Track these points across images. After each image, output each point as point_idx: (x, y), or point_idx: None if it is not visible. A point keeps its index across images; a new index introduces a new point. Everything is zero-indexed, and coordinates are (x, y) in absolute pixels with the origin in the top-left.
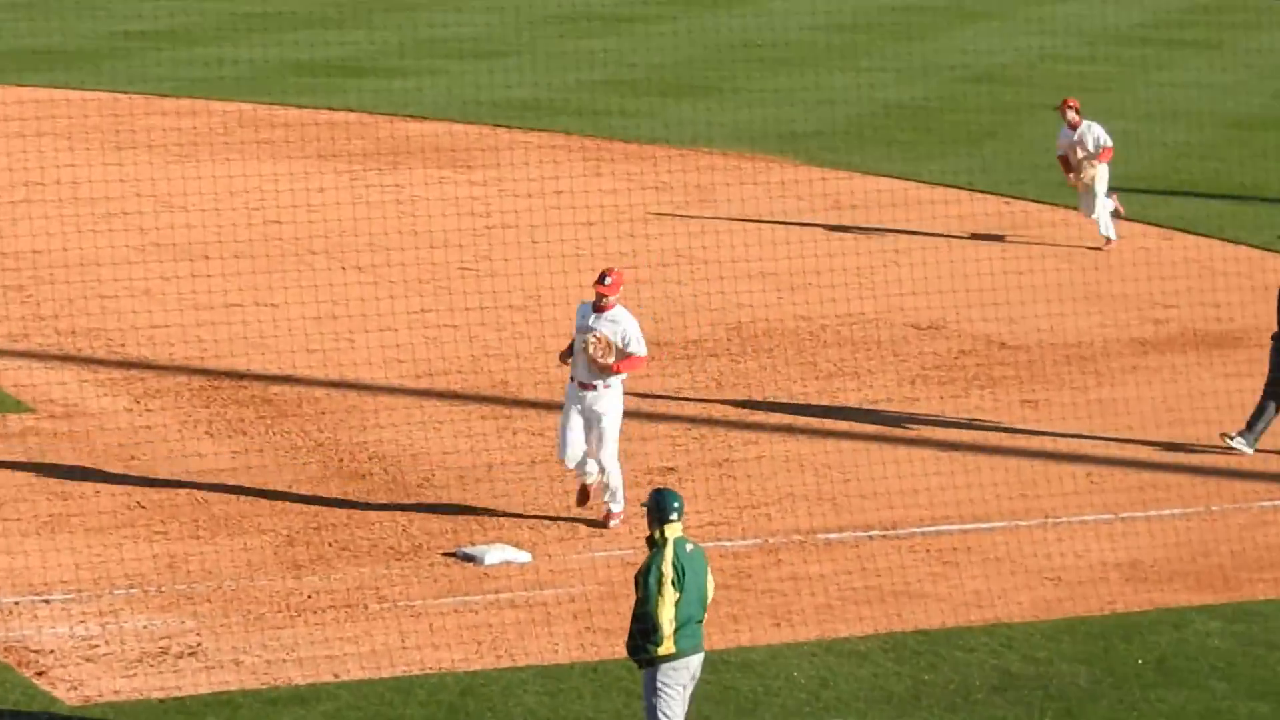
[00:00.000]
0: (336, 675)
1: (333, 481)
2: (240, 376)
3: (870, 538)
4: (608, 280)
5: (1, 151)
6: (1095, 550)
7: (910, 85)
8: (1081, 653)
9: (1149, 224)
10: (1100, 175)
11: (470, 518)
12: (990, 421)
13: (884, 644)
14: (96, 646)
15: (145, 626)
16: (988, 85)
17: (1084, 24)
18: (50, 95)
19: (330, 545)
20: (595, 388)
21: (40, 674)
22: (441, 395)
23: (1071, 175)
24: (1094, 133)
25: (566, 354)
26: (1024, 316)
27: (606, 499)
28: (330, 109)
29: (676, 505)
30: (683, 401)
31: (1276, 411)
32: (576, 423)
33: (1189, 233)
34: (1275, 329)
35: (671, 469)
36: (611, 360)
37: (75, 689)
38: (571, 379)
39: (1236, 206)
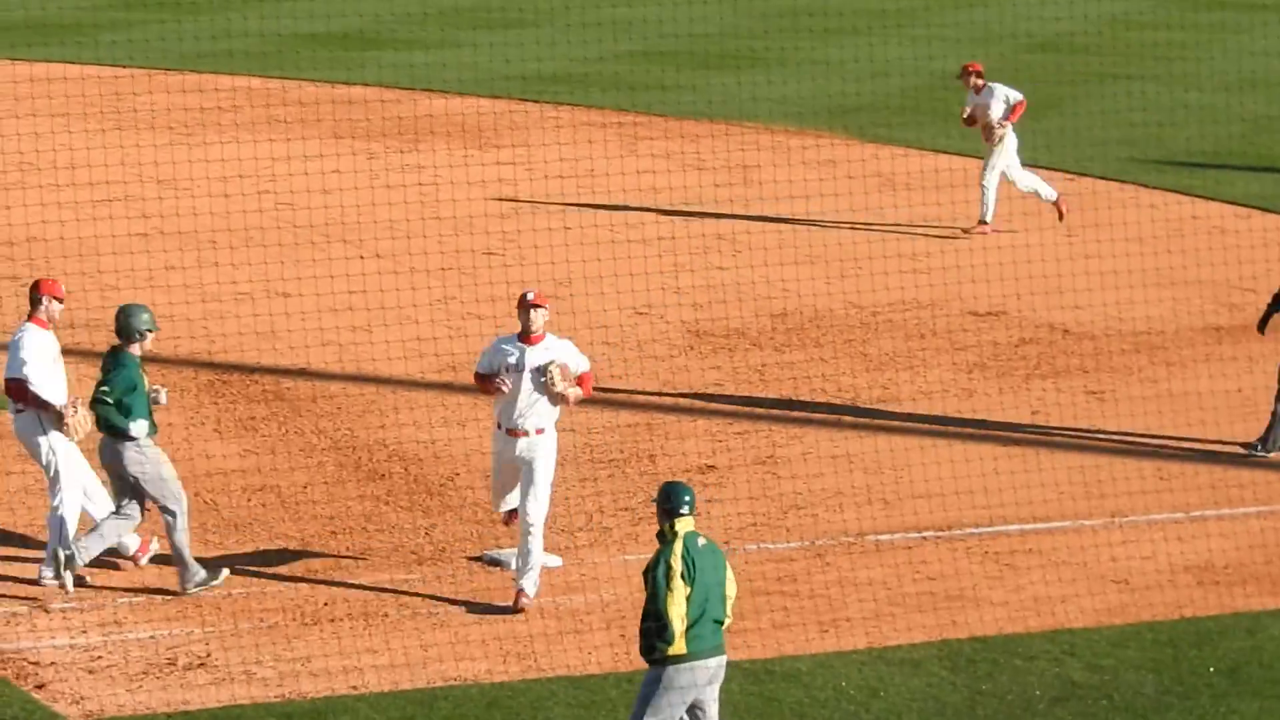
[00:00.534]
0: (355, 688)
1: (350, 482)
2: (251, 371)
3: (924, 539)
4: (530, 295)
5: None
6: (1164, 552)
7: (969, 55)
8: (1149, 660)
9: (1225, 202)
10: (1005, 144)
11: (497, 519)
12: (1053, 415)
13: (938, 652)
14: (99, 658)
15: (151, 637)
16: (1052, 54)
17: None
18: (45, 71)
19: (348, 550)
20: (529, 434)
21: (40, 687)
22: (466, 390)
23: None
24: (999, 95)
25: (490, 387)
26: (1090, 303)
27: (520, 579)
28: (346, 84)
29: (687, 499)
30: (724, 395)
31: None
32: (511, 474)
33: (1268, 211)
34: None
35: (712, 466)
36: (572, 391)
37: (77, 703)
38: (498, 426)
39: None
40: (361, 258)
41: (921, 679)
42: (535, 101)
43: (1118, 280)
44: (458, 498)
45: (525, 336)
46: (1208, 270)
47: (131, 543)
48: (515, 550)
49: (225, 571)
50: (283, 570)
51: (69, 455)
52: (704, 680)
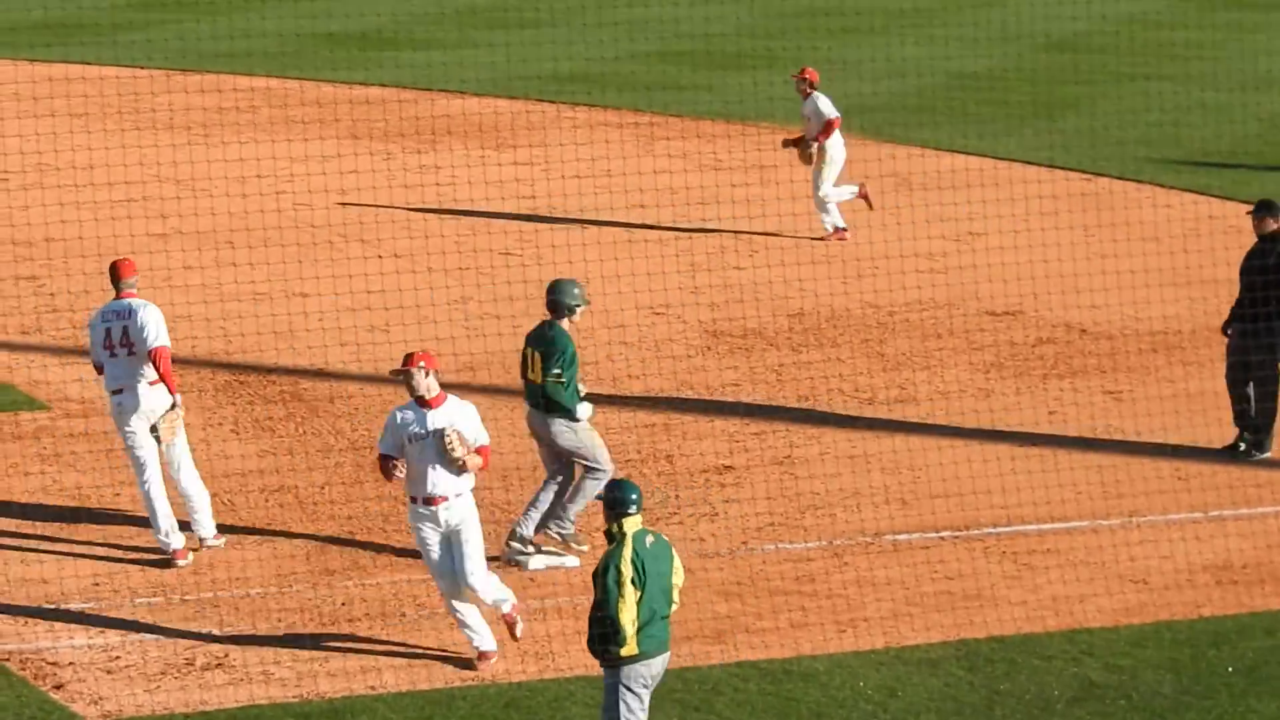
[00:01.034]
0: (373, 688)
1: (367, 482)
2: (268, 371)
3: (941, 539)
4: (421, 364)
5: (12, 132)
6: (1182, 551)
7: (984, 55)
8: (1167, 660)
9: (1242, 201)
10: (827, 157)
11: (514, 520)
12: (1071, 414)
13: (956, 652)
14: (117, 658)
15: (169, 637)
16: (1068, 54)
17: None
18: (63, 71)
19: (365, 550)
20: (447, 498)
21: (58, 688)
22: (483, 390)
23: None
24: (814, 105)
25: (389, 470)
26: (1107, 303)
27: (471, 635)
28: (362, 84)
29: (634, 497)
30: (741, 395)
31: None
32: (442, 549)
33: None
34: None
35: (729, 467)
36: (481, 468)
37: (95, 704)
38: (412, 500)
39: None
40: (380, 257)
41: (939, 679)
42: (552, 102)
43: (1135, 280)
44: (475, 498)
45: (423, 401)
46: (1224, 270)
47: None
48: (535, 552)
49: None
50: (300, 570)
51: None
52: (654, 675)
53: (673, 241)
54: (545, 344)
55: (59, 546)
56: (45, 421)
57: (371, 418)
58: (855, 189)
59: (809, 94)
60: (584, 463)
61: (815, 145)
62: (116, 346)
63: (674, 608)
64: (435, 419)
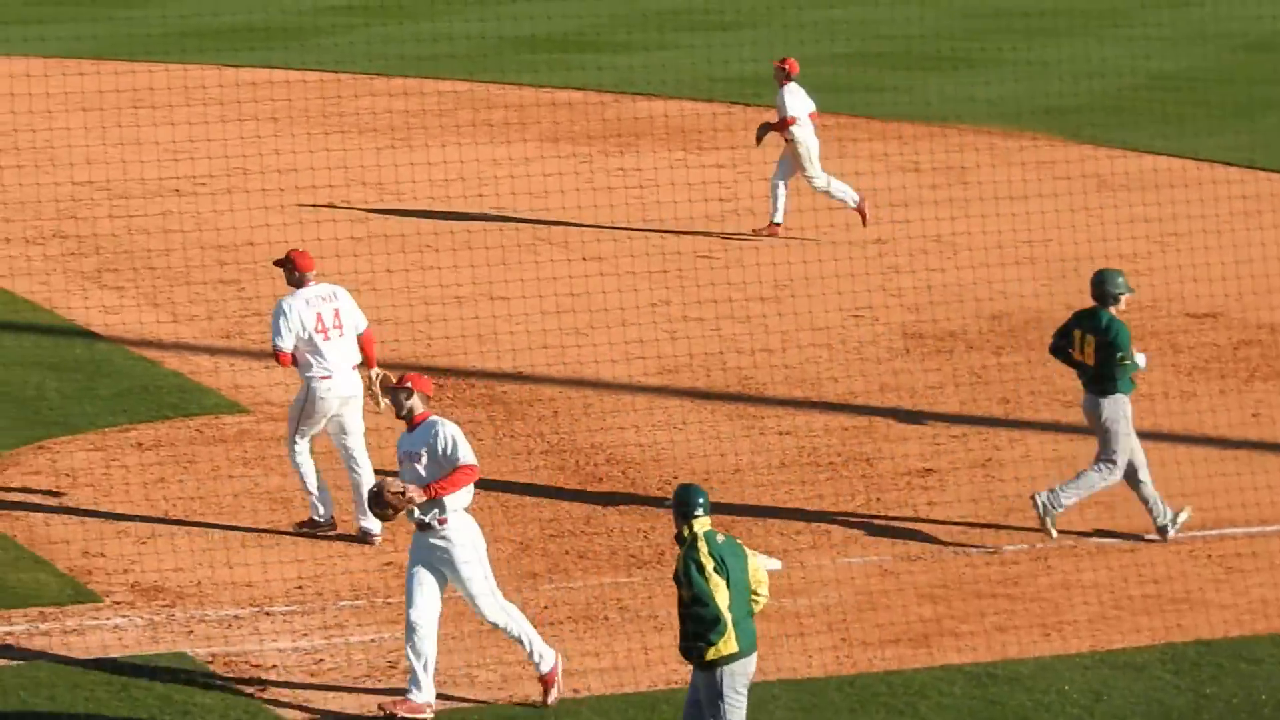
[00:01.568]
0: (576, 691)
1: (567, 486)
2: (468, 375)
3: (1147, 542)
4: (406, 383)
5: (213, 136)
6: None
7: (1183, 54)
8: None
9: None
10: (799, 149)
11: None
12: (1275, 417)
13: (1162, 655)
14: (321, 661)
15: (372, 640)
16: (1267, 53)
17: None
18: (258, 76)
19: (567, 553)
20: (431, 526)
21: (262, 689)
22: (683, 393)
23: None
24: (781, 98)
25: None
26: None
27: (533, 657)
28: (557, 88)
29: (701, 500)
30: (942, 398)
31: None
32: (424, 579)
33: None
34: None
35: (930, 469)
36: (423, 498)
37: (299, 707)
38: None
39: None
40: (584, 260)
41: (1145, 682)
42: (745, 104)
43: None
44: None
45: (407, 423)
46: None
47: (375, 526)
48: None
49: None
50: (502, 574)
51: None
52: (751, 672)
53: (871, 244)
54: (1098, 330)
55: (262, 550)
56: (248, 425)
57: (572, 420)
58: (857, 198)
59: (784, 84)
60: (1104, 452)
61: (787, 131)
62: (330, 329)
63: (760, 605)
64: (406, 441)
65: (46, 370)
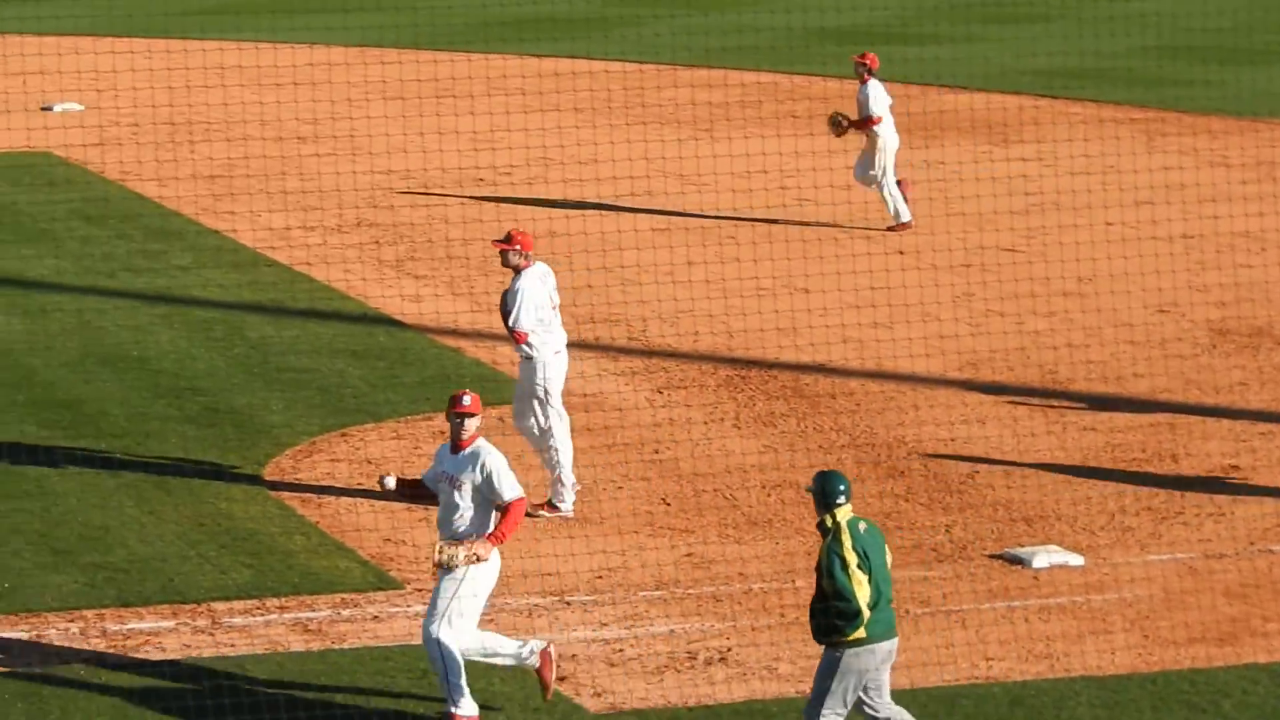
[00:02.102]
0: None
1: (869, 479)
2: (770, 366)
3: None
4: (466, 401)
5: (515, 126)
6: None
7: None
8: None
9: None
10: (878, 145)
11: (1017, 517)
12: None
13: None
14: (621, 651)
15: (672, 631)
16: None
17: None
18: (561, 66)
19: None
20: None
21: (562, 679)
22: (986, 387)
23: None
24: (866, 94)
25: (406, 492)
26: None
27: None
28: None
29: (843, 488)
30: (1248, 394)
31: None
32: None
33: None
34: None
35: (1235, 466)
36: (464, 554)
37: (599, 695)
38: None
39: None
40: (886, 253)
41: None
42: (1052, 97)
43: None
44: (977, 495)
45: (456, 440)
46: None
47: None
48: (1036, 548)
49: None
50: (800, 567)
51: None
52: (880, 661)
53: (1179, 239)
54: None
55: (563, 541)
56: None
57: (873, 414)
58: (908, 218)
59: (866, 80)
60: None
61: (870, 132)
62: (556, 306)
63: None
64: (454, 466)
65: (350, 358)
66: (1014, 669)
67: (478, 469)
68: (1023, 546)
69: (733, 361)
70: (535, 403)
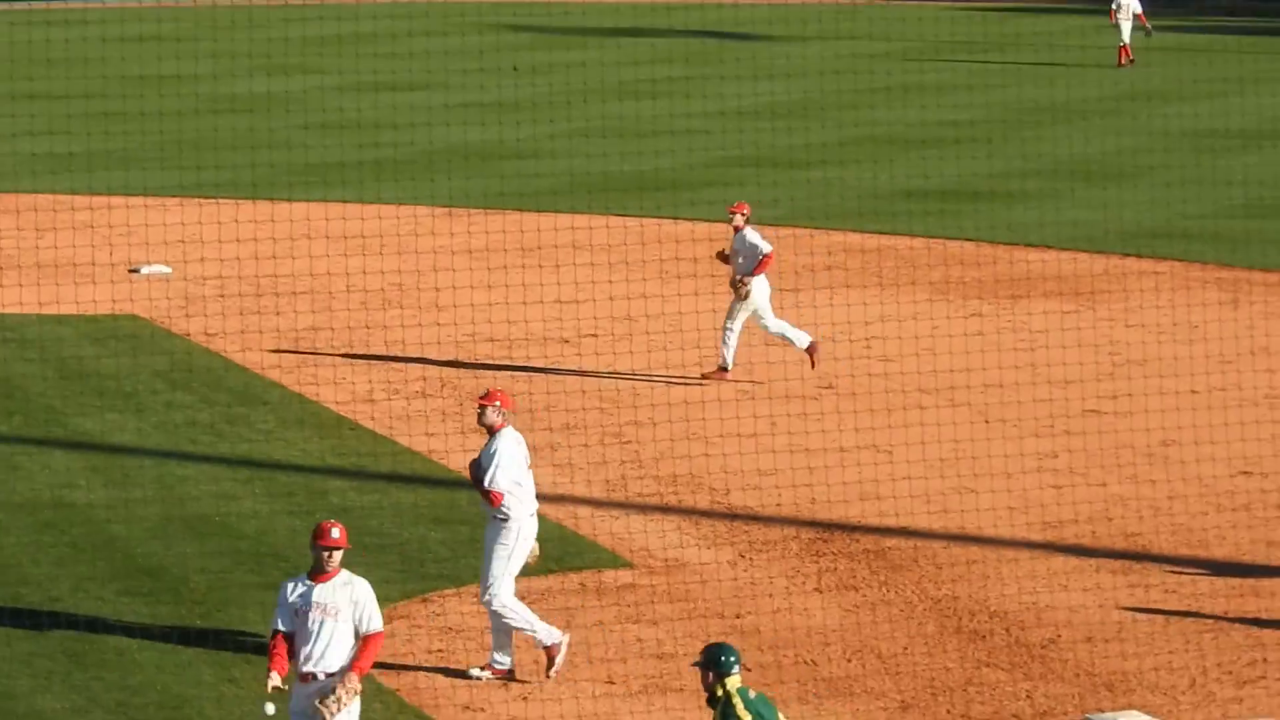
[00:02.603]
0: None
1: (950, 642)
2: (852, 529)
3: None
4: (335, 534)
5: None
6: None
7: None
8: None
9: None
10: (757, 291)
11: (1099, 683)
12: None
13: None
14: None
15: None
16: None
17: None
18: (647, 226)
19: (948, 712)
20: (318, 677)
21: None
22: (1068, 549)
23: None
24: (748, 241)
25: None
26: None
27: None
28: (945, 238)
29: (734, 659)
30: None
31: None
32: None
33: None
34: None
35: None
36: (345, 697)
37: None
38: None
39: None
40: (961, 412)
41: None
42: (1136, 255)
43: None
44: (1059, 660)
45: (318, 571)
46: None
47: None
48: (1117, 714)
49: None
50: None
51: None
52: None
53: (1263, 400)
54: None
55: (644, 704)
56: (629, 578)
57: (956, 575)
58: (809, 340)
59: (740, 228)
60: None
61: (748, 283)
62: (529, 467)
63: None
64: (324, 595)
65: (430, 523)
66: None
67: (350, 596)
68: (1104, 712)
69: (814, 524)
70: (498, 562)
